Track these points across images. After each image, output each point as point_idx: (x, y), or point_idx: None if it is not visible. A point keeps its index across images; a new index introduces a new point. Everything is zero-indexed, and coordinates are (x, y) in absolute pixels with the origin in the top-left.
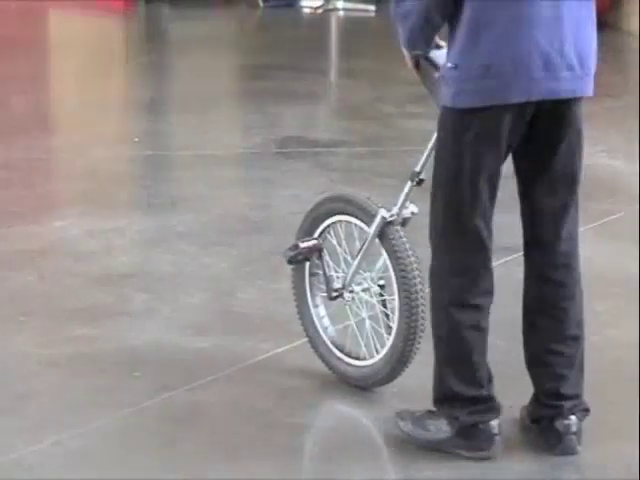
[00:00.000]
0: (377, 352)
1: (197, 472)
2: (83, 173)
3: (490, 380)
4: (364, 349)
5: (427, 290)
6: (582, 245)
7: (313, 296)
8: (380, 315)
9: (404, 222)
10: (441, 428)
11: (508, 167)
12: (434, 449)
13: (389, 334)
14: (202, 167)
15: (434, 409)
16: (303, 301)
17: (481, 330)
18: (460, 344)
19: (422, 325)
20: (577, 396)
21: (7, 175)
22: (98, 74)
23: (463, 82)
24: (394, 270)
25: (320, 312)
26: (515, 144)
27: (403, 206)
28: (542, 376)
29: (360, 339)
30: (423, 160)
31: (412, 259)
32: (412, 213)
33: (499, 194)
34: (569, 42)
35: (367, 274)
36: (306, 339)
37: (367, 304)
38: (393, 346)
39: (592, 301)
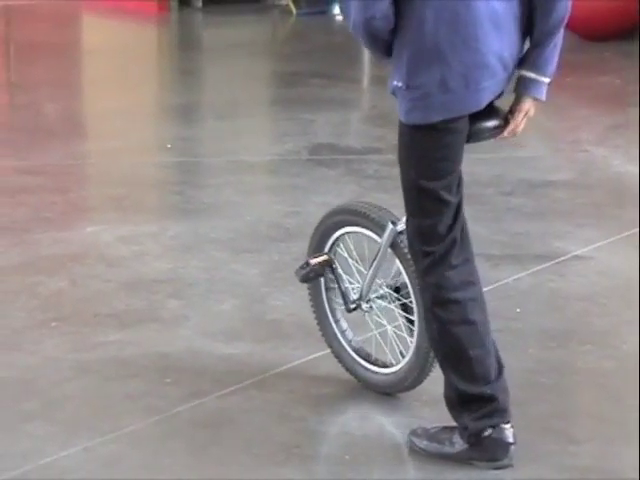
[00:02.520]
0: (402, 356)
1: (228, 478)
2: (116, 179)
3: (498, 375)
4: (389, 356)
5: None
6: (613, 255)
7: (332, 310)
8: (400, 319)
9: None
10: (455, 441)
11: (537, 177)
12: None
13: (412, 337)
14: (234, 174)
15: (447, 425)
16: (323, 316)
17: (471, 324)
18: (453, 341)
19: None
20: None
21: (40, 181)
22: (131, 80)
23: (415, 100)
24: (409, 277)
25: (342, 326)
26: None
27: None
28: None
29: (384, 346)
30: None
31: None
32: None
33: (530, 203)
34: (505, 47)
35: (381, 280)
36: None
37: (386, 311)
38: (417, 349)
39: (624, 310)
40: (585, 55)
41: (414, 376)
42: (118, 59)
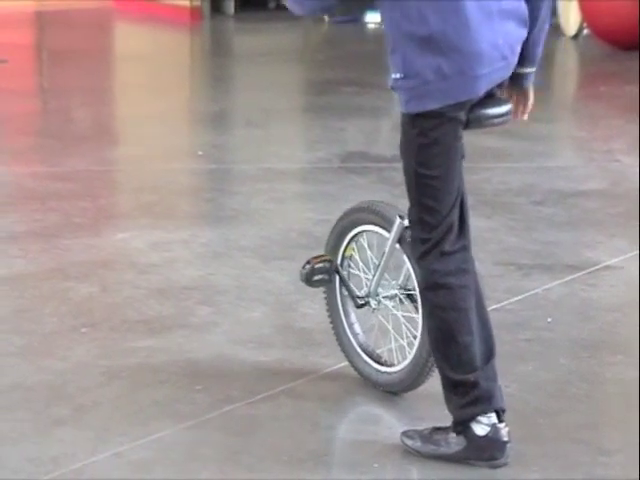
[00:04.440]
0: (405, 357)
1: None
2: (147, 185)
3: (486, 362)
4: (394, 355)
5: None
6: None
7: (346, 314)
8: (404, 322)
9: None
10: (451, 442)
11: (568, 186)
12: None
13: (414, 338)
14: (265, 181)
15: (439, 426)
16: (337, 320)
17: (461, 310)
18: (442, 326)
19: None
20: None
21: (71, 186)
22: (163, 87)
23: (413, 89)
24: (415, 274)
25: (355, 329)
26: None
27: None
28: None
29: (392, 345)
30: None
31: None
32: None
33: (561, 213)
34: (499, 35)
35: (394, 282)
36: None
37: (393, 311)
38: (419, 349)
39: None
40: (618, 65)
41: (415, 376)
42: (150, 66)
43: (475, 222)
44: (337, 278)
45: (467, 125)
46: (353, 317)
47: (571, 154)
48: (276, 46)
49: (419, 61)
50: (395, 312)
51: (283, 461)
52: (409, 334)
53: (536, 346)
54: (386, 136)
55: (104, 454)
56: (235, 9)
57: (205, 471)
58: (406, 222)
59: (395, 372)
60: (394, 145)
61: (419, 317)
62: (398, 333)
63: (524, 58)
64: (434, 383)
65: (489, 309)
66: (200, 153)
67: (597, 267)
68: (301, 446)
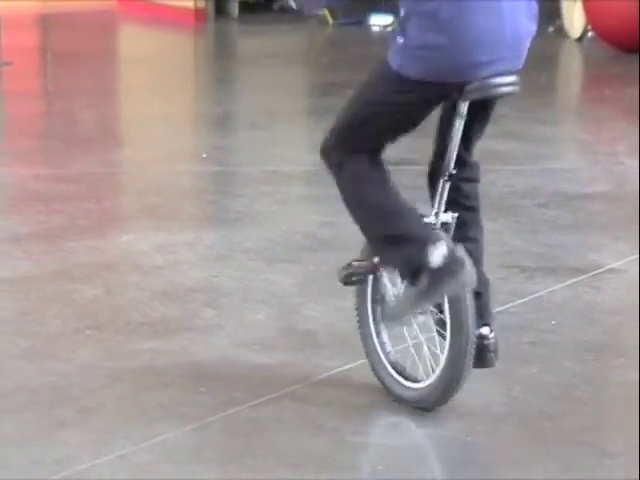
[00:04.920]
0: (432, 371)
1: None
2: (151, 188)
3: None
4: (421, 371)
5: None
6: None
7: (376, 322)
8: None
9: (445, 228)
10: (409, 289)
11: (573, 189)
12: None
13: (443, 352)
14: (269, 183)
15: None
16: (365, 327)
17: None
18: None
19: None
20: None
21: (75, 188)
22: (167, 89)
23: (408, 54)
24: None
25: (383, 338)
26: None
27: (441, 207)
28: None
29: (417, 361)
30: (449, 153)
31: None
32: (452, 218)
33: (565, 215)
34: (508, 25)
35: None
36: None
37: (423, 325)
38: (447, 364)
39: None
40: (622, 67)
41: (442, 392)
42: (154, 68)
43: None
44: (369, 286)
45: (469, 95)
46: (382, 327)
47: (575, 157)
48: (280, 48)
49: (422, 35)
50: (418, 329)
51: (287, 464)
52: (436, 349)
53: (540, 349)
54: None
55: (108, 456)
56: (239, 11)
57: (209, 473)
58: (426, 219)
59: (421, 388)
60: (399, 148)
61: (447, 333)
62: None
63: None
64: None
65: (493, 312)
66: (204, 155)
67: (601, 270)
68: (305, 449)
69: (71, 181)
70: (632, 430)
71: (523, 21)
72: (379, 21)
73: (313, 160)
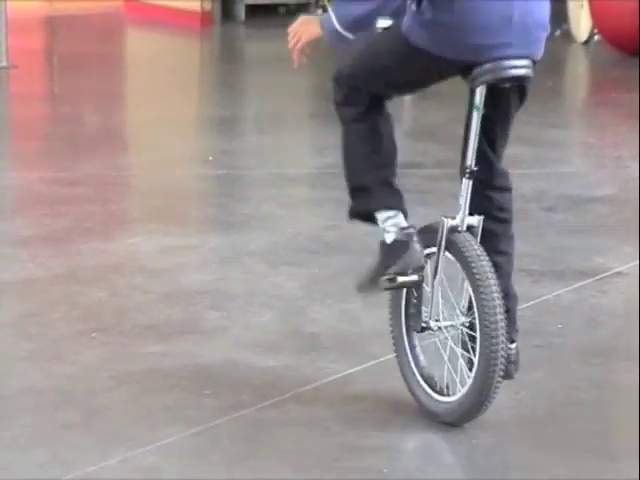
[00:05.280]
0: (462, 386)
1: None
2: (157, 191)
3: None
4: (450, 385)
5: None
6: None
7: (409, 334)
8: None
9: (471, 231)
10: (369, 266)
11: (579, 192)
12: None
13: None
14: (275, 186)
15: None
16: (399, 338)
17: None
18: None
19: (504, 344)
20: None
21: (81, 191)
22: (173, 92)
23: (420, 25)
24: (470, 281)
25: (416, 351)
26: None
27: (466, 209)
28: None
29: (454, 374)
30: (470, 152)
31: (486, 266)
32: (479, 221)
33: (572, 219)
34: (517, 11)
35: (457, 309)
36: (377, 360)
37: (454, 339)
38: (476, 379)
39: None
40: (628, 71)
41: (468, 407)
42: (161, 71)
43: None
44: (403, 298)
45: (479, 79)
46: (416, 340)
47: (582, 160)
48: (286, 52)
49: (432, 11)
50: (451, 343)
51: (292, 466)
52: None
53: (546, 352)
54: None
55: (113, 459)
56: (246, 15)
57: (214, 476)
58: (452, 221)
59: (451, 402)
60: (404, 151)
61: (477, 346)
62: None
63: None
64: None
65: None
66: (210, 158)
67: (608, 273)
68: (310, 452)
69: (77, 184)
70: (638, 434)
71: (534, 11)
72: (384, 24)
73: (318, 163)
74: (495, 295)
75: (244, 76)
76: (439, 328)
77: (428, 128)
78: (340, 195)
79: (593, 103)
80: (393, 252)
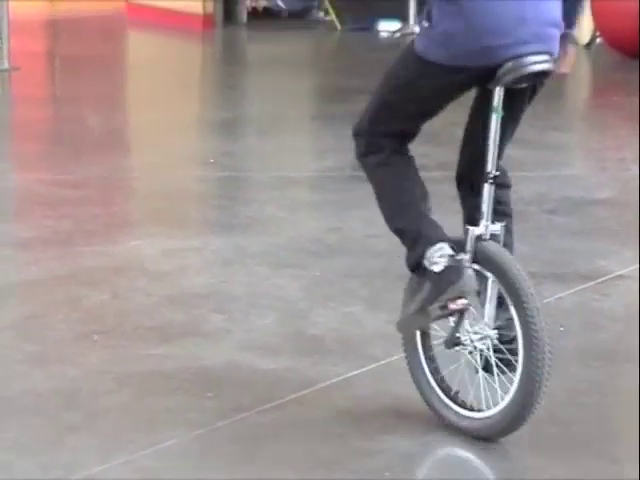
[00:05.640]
0: (500, 400)
1: None
2: (159, 193)
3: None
4: (483, 400)
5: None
6: None
7: (425, 347)
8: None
9: (495, 239)
10: (417, 296)
11: (581, 195)
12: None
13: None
14: (277, 189)
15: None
16: (413, 352)
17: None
18: (377, 182)
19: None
20: None
21: (84, 194)
22: (175, 94)
23: (434, 37)
24: (509, 294)
25: (434, 363)
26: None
27: (489, 216)
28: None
29: (483, 389)
30: (491, 157)
31: (526, 277)
32: (501, 228)
33: (574, 221)
34: (530, 10)
35: (486, 320)
36: (379, 363)
37: (484, 352)
38: (517, 392)
39: None
40: (630, 74)
41: (508, 423)
42: (162, 73)
43: None
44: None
45: (504, 78)
46: (435, 353)
47: (584, 163)
48: (288, 54)
49: (444, 20)
50: (488, 353)
51: (293, 469)
52: (502, 376)
53: None
54: None
55: (115, 461)
56: (248, 17)
57: (216, 478)
58: (477, 230)
59: (484, 418)
60: None
61: (519, 358)
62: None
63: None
64: None
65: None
66: (212, 161)
67: (609, 276)
68: (312, 455)
69: (79, 186)
70: (639, 436)
71: (545, 9)
72: (387, 27)
73: (320, 166)
74: (538, 309)
75: (246, 78)
76: (471, 342)
77: (429, 131)
78: (341, 198)
79: (595, 106)
80: (445, 279)
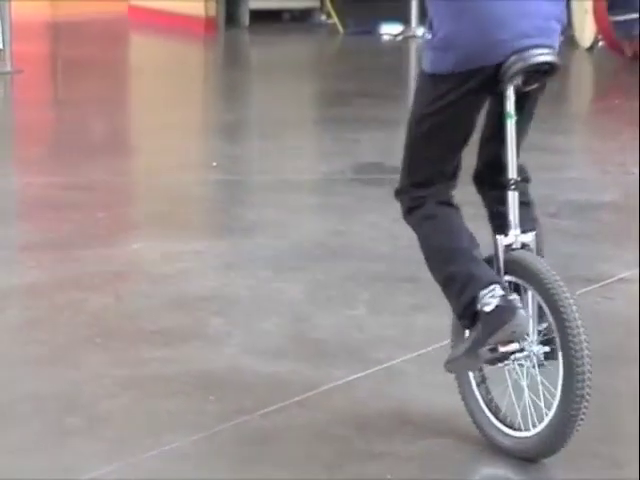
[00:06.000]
0: (537, 423)
1: None
2: (161, 196)
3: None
4: (520, 419)
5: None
6: None
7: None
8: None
9: (527, 249)
10: (466, 338)
11: (583, 198)
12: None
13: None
14: (279, 192)
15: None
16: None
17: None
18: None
19: (589, 374)
20: None
21: (86, 197)
22: (177, 98)
23: (438, 49)
24: (545, 300)
25: (484, 386)
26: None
27: (517, 224)
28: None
29: (517, 408)
30: (510, 163)
31: (563, 286)
32: (533, 237)
33: (576, 225)
34: (532, 6)
35: (530, 338)
36: (381, 366)
37: (527, 370)
38: (559, 410)
39: None
40: (632, 77)
41: (553, 441)
42: (165, 77)
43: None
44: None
45: (507, 74)
46: (484, 372)
47: (586, 166)
48: (290, 58)
49: (444, 24)
50: (532, 369)
51: (296, 472)
52: (547, 393)
53: None
54: (400, 148)
55: (117, 464)
56: (250, 21)
57: None
58: (505, 240)
59: (529, 437)
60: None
61: (559, 372)
62: (534, 392)
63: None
64: (455, 397)
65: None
66: (214, 164)
67: (612, 279)
68: (314, 458)
69: (81, 189)
70: None
71: (545, 3)
72: (389, 30)
73: (322, 169)
74: (578, 320)
75: (248, 82)
76: (513, 361)
77: None
78: (344, 201)
79: (597, 109)
80: (496, 319)
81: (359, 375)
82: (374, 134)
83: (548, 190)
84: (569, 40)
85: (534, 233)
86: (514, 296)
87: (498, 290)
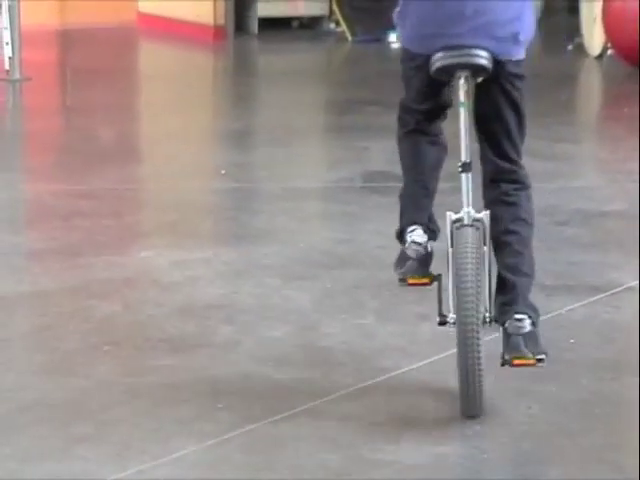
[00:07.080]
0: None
1: None
2: (170, 204)
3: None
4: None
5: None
6: None
7: None
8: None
9: (476, 226)
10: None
11: (592, 207)
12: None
13: None
14: (288, 200)
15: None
16: None
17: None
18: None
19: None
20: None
21: (94, 204)
22: (186, 105)
23: (400, 28)
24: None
25: None
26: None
27: (469, 202)
28: (504, 253)
29: None
30: (464, 147)
31: (470, 262)
32: (485, 215)
33: (584, 233)
34: (471, 7)
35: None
36: (389, 374)
37: None
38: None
39: None
40: None
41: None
42: (174, 84)
43: None
44: None
45: (431, 69)
46: None
47: (594, 175)
48: (299, 65)
49: (404, 10)
50: None
51: (304, 479)
52: None
53: (558, 367)
54: None
55: (126, 472)
56: (259, 28)
57: None
58: (455, 215)
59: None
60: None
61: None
62: None
63: None
64: (452, 405)
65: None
66: (223, 172)
67: (620, 288)
68: (322, 465)
69: (90, 197)
70: None
71: (493, 9)
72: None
73: (331, 177)
74: (469, 280)
75: (257, 89)
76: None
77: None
78: (352, 209)
79: (606, 117)
80: (398, 259)
81: (367, 383)
82: (383, 142)
83: (556, 198)
84: (578, 48)
85: (487, 212)
86: (421, 247)
87: (417, 232)
